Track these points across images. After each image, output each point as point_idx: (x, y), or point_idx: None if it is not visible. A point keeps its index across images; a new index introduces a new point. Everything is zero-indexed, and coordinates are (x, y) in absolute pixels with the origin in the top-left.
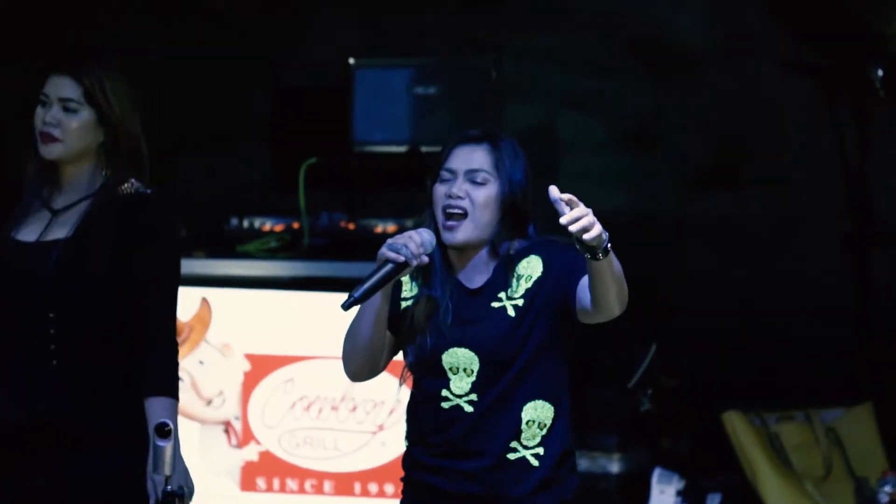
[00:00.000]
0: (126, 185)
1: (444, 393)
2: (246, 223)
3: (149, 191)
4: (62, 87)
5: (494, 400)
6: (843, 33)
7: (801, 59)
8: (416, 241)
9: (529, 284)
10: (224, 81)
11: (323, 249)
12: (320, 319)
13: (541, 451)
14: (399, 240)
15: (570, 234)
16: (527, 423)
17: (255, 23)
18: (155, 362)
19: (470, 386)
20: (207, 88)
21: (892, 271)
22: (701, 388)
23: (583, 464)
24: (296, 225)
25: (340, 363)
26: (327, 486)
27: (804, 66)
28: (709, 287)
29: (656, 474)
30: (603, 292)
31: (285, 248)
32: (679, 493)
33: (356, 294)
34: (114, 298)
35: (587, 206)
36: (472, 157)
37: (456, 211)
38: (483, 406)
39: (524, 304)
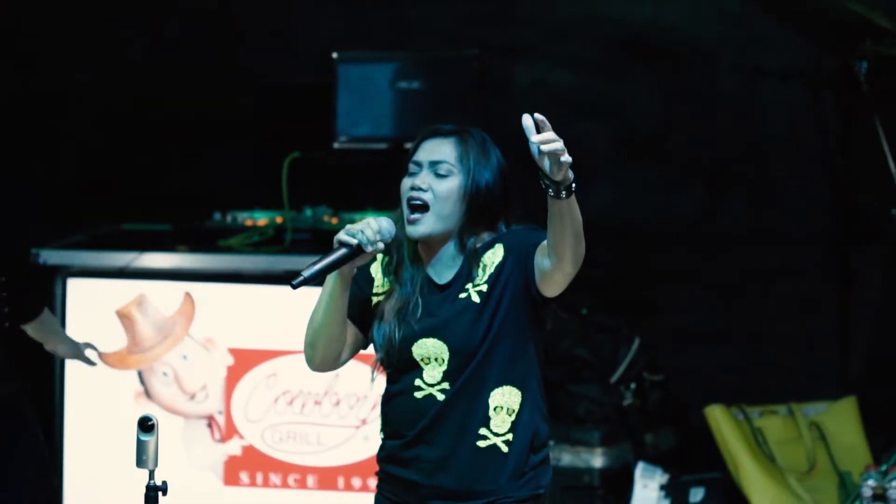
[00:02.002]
0: None
1: (418, 383)
2: (229, 218)
3: None
4: None
5: (463, 386)
6: (827, 29)
7: (786, 56)
8: (374, 228)
9: (492, 270)
10: (207, 76)
11: (306, 244)
12: (303, 314)
13: (510, 437)
14: (357, 225)
15: (539, 168)
16: (494, 408)
17: (238, 17)
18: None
19: (442, 375)
20: (190, 83)
21: (875, 267)
22: (684, 382)
23: (566, 458)
24: (279, 219)
25: (303, 359)
26: (310, 480)
27: (789, 63)
28: (692, 282)
29: (639, 469)
30: (560, 238)
31: (268, 242)
32: (662, 488)
33: (306, 273)
34: None
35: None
36: (437, 150)
37: (418, 203)
38: (454, 394)
39: (487, 289)
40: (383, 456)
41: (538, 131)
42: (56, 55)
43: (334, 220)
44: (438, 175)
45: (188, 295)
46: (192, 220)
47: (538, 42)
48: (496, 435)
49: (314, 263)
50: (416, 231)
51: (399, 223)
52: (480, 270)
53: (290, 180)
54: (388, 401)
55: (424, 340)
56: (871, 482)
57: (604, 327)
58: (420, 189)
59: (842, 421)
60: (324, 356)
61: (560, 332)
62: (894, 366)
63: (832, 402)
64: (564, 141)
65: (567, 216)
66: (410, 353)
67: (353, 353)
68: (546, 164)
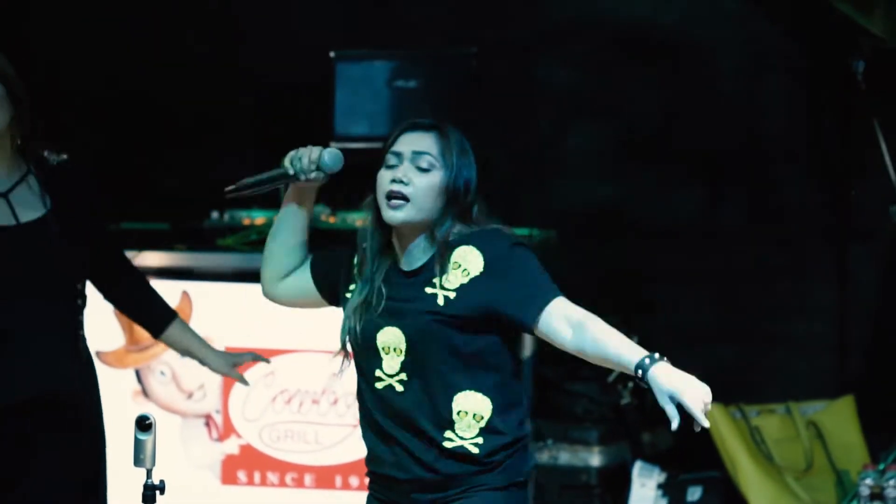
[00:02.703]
0: (49, 156)
1: (378, 373)
2: (227, 217)
3: (66, 157)
4: None
5: (422, 381)
6: (825, 28)
7: (784, 54)
8: (313, 157)
9: (465, 280)
10: (205, 74)
11: None
12: (301, 313)
13: (480, 440)
14: (299, 151)
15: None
16: (458, 412)
17: (237, 17)
18: (157, 294)
19: (399, 366)
20: (188, 81)
21: (872, 265)
22: None
23: (564, 457)
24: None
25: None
26: (308, 479)
27: (787, 61)
28: (690, 281)
29: (637, 467)
30: (600, 359)
31: (266, 241)
32: (660, 487)
33: (238, 184)
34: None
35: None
36: (418, 142)
37: (397, 195)
38: (412, 387)
39: (455, 297)
40: (366, 456)
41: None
42: (54, 53)
43: (332, 219)
44: (420, 168)
45: (186, 294)
46: (189, 219)
47: (536, 40)
48: (462, 438)
49: (251, 177)
50: (395, 217)
51: (372, 213)
52: (450, 267)
53: None
54: (358, 395)
55: (387, 328)
56: (868, 481)
57: None
58: (401, 182)
59: (839, 420)
60: (270, 270)
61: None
62: (892, 364)
63: (830, 400)
64: (564, 140)
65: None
66: (375, 340)
67: (300, 292)
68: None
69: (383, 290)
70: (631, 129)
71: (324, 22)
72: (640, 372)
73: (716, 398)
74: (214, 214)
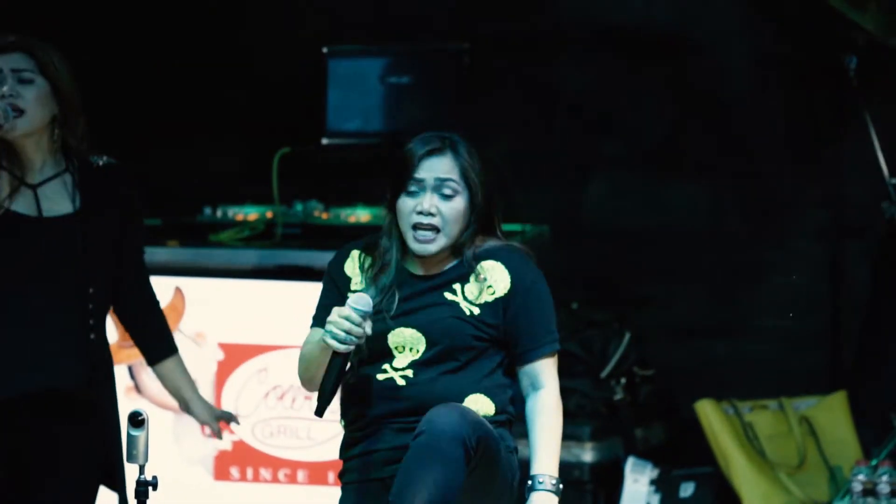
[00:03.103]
0: (94, 157)
1: (385, 367)
2: (219, 213)
3: (115, 161)
4: (12, 60)
5: (432, 380)
6: (817, 23)
7: (776, 50)
8: (357, 321)
9: (491, 299)
10: (197, 70)
11: (296, 239)
12: (294, 308)
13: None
14: (341, 325)
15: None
16: None
17: (228, 12)
18: (165, 325)
19: (409, 363)
20: (179, 77)
21: (865, 261)
22: (674, 377)
23: None
24: (269, 214)
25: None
26: (301, 475)
27: (778, 57)
28: (682, 277)
29: (630, 463)
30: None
31: (259, 237)
32: (652, 482)
33: (323, 402)
34: (115, 271)
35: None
36: (438, 167)
37: (426, 227)
38: (417, 384)
39: (480, 314)
40: (343, 445)
41: None
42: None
43: (324, 215)
44: (444, 196)
45: (178, 290)
46: (182, 215)
47: (529, 36)
48: None
49: (323, 389)
50: (426, 250)
51: (391, 235)
52: (475, 281)
53: (280, 175)
54: (349, 387)
55: (402, 330)
56: (861, 477)
57: (594, 322)
58: (428, 214)
59: (832, 415)
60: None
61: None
62: (884, 360)
63: (822, 396)
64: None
65: None
66: (386, 341)
67: None
68: None
69: (396, 294)
70: (625, 126)
71: (316, 17)
72: (528, 482)
73: (709, 393)
74: (207, 210)
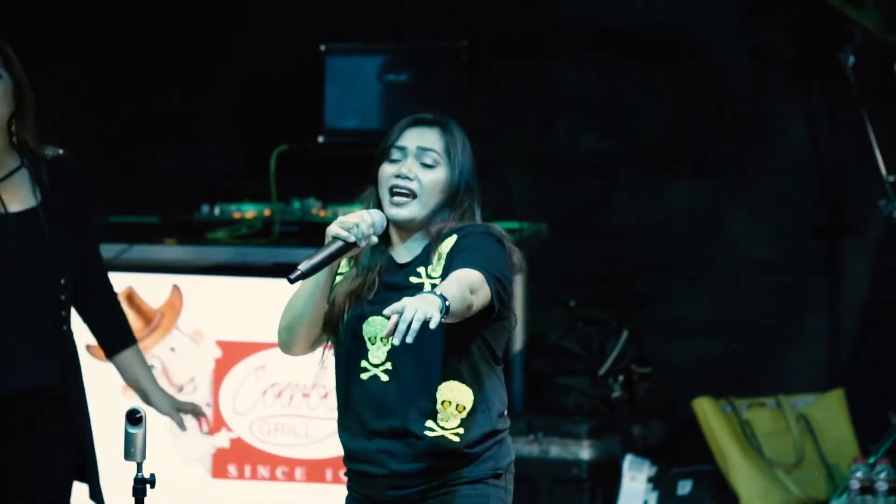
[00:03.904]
0: (45, 150)
1: (363, 364)
2: (217, 210)
3: (66, 153)
4: None
5: (407, 369)
6: (815, 21)
7: (774, 48)
8: (368, 222)
9: (444, 262)
10: (195, 68)
11: (294, 236)
12: None
13: (461, 430)
14: (350, 219)
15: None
16: (442, 402)
17: (226, 10)
18: (121, 315)
19: (385, 355)
20: (178, 75)
21: (863, 259)
22: (672, 375)
23: (554, 451)
24: (267, 212)
25: (277, 342)
26: (298, 472)
27: (776, 55)
28: (680, 274)
29: (627, 461)
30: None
31: (256, 235)
32: (650, 480)
33: (304, 268)
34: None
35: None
36: (423, 138)
37: (403, 191)
38: (397, 376)
39: (440, 282)
40: (344, 453)
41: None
42: (41, 48)
43: (322, 213)
44: (425, 165)
45: (176, 287)
46: (180, 213)
47: (527, 34)
48: (443, 429)
49: (310, 258)
50: (399, 214)
51: (372, 205)
52: (435, 258)
53: (278, 173)
54: (339, 386)
55: (374, 318)
56: (859, 474)
57: (592, 320)
58: (406, 178)
59: (830, 413)
60: (304, 341)
61: (549, 325)
62: (882, 358)
63: (820, 394)
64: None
65: (457, 316)
66: (361, 331)
67: (325, 339)
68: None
69: (376, 281)
70: (624, 125)
71: (314, 15)
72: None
73: (706, 392)
74: (205, 208)
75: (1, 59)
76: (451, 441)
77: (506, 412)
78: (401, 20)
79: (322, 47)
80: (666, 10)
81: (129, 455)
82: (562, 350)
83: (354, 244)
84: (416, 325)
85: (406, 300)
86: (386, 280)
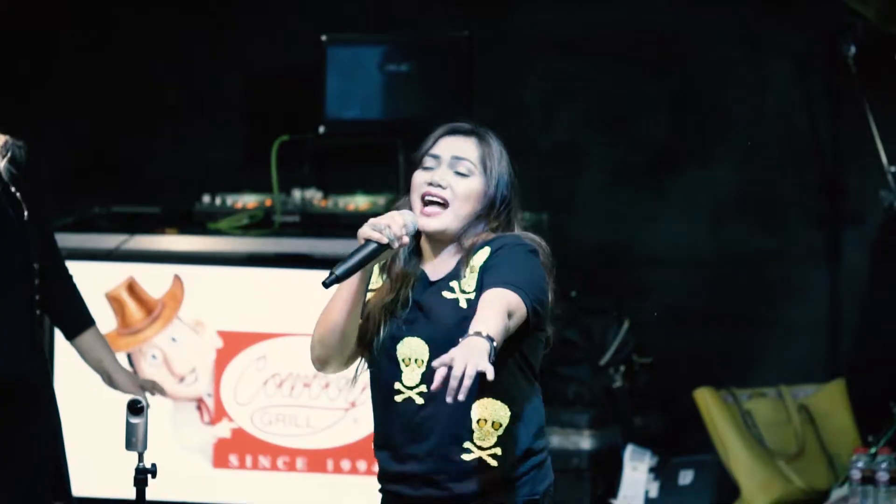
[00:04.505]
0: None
1: (397, 386)
2: (218, 200)
3: (14, 138)
4: None
5: (443, 392)
6: (817, 11)
7: (776, 38)
8: (399, 223)
9: (477, 275)
10: (196, 58)
11: (295, 226)
12: (293, 296)
13: (498, 451)
14: (382, 220)
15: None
16: (478, 421)
17: (228, 0)
18: (80, 297)
19: (420, 377)
20: (179, 66)
21: (863, 249)
22: (673, 365)
23: (555, 441)
24: (268, 202)
25: (309, 356)
26: (300, 462)
27: (778, 45)
28: (681, 264)
29: (629, 451)
30: None
31: (257, 225)
32: (651, 470)
33: (338, 272)
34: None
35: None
36: (458, 147)
37: (435, 199)
38: (433, 398)
39: (474, 298)
40: (378, 472)
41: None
42: (42, 38)
43: (324, 203)
44: (459, 174)
45: (177, 277)
46: (181, 203)
47: (527, 24)
48: (481, 448)
49: (344, 261)
50: (430, 224)
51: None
52: (468, 271)
53: (279, 163)
54: (375, 407)
55: (409, 339)
56: (860, 464)
57: (593, 310)
58: (439, 186)
59: (831, 403)
60: (338, 354)
61: (550, 315)
62: (883, 348)
63: (821, 384)
64: (554, 123)
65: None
66: (395, 351)
67: (359, 355)
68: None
69: (409, 297)
70: (625, 115)
71: (315, 5)
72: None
73: (708, 382)
74: (206, 198)
75: None
76: (488, 465)
77: (545, 428)
78: (402, 10)
79: (323, 37)
80: (667, 1)
81: (130, 445)
82: (563, 340)
83: (388, 246)
84: (467, 383)
85: (454, 352)
86: (417, 298)
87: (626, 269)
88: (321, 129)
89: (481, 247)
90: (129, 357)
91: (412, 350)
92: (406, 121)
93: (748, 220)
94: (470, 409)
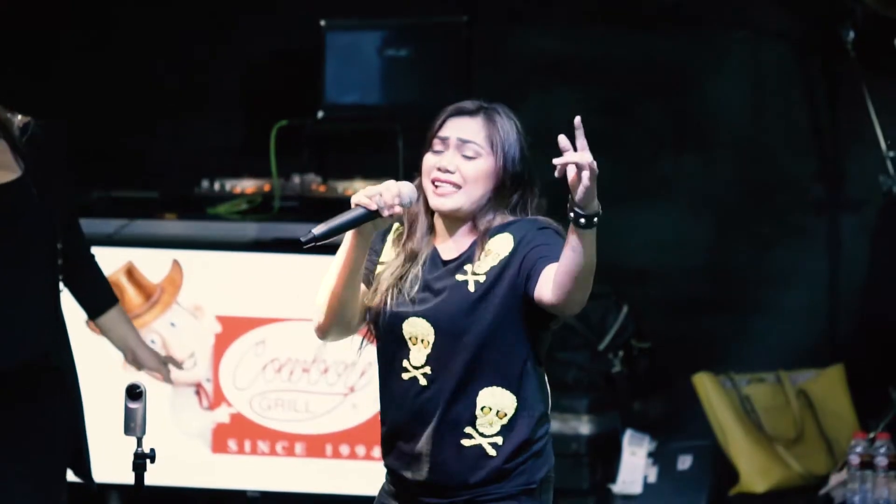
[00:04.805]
0: (20, 120)
1: (405, 364)
2: (217, 185)
3: (37, 119)
4: None
5: (447, 375)
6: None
7: (774, 23)
8: (392, 192)
9: (495, 262)
10: (195, 43)
11: (294, 211)
12: (291, 281)
13: (499, 440)
14: (376, 188)
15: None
16: (482, 408)
17: None
18: (102, 276)
19: (425, 358)
20: (178, 51)
21: (863, 234)
22: (672, 350)
23: (554, 426)
24: (267, 187)
25: (311, 325)
26: (298, 447)
27: (776, 30)
28: (680, 250)
29: (627, 436)
30: (569, 270)
31: (256, 210)
32: (650, 455)
33: (317, 232)
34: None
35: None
36: (464, 128)
37: (446, 185)
38: (436, 380)
39: (485, 281)
40: (383, 449)
41: (573, 145)
42: (41, 25)
43: (322, 188)
44: (466, 157)
45: (176, 262)
46: (180, 188)
47: (529, 8)
48: (482, 436)
49: (326, 222)
50: (443, 204)
51: (420, 194)
52: (483, 255)
53: (278, 148)
54: (381, 382)
55: (415, 319)
56: (858, 449)
57: (592, 295)
58: (447, 171)
59: (829, 388)
60: (338, 323)
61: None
62: (882, 333)
63: (820, 369)
64: (553, 106)
65: (584, 246)
66: (401, 329)
67: (364, 323)
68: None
69: (420, 275)
70: (622, 99)
71: None
72: (581, 221)
73: (706, 367)
74: (205, 183)
75: None
76: (486, 453)
77: (548, 412)
78: None
79: (322, 22)
80: None
81: (128, 430)
82: (562, 325)
83: (377, 213)
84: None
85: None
86: (428, 277)
87: (624, 255)
88: (320, 115)
89: (498, 230)
90: None
91: (418, 330)
92: (405, 106)
93: (747, 206)
94: (476, 394)
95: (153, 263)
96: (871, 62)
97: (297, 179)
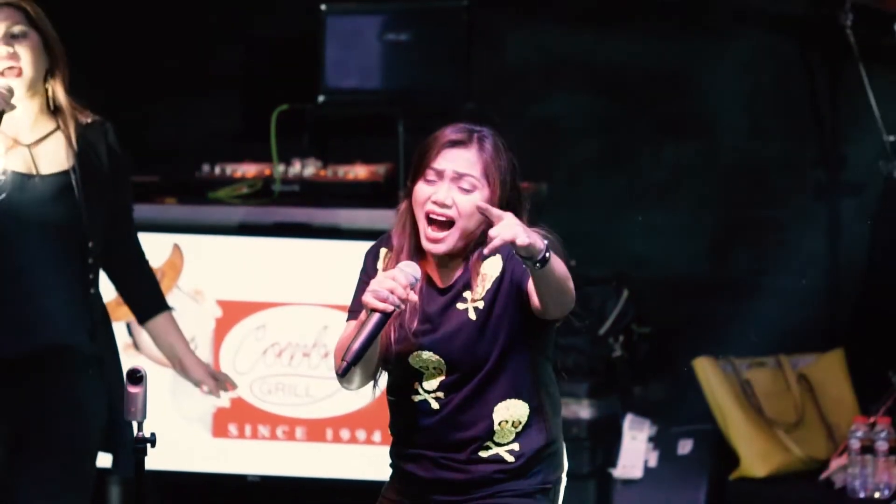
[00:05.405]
0: (80, 116)
1: (416, 387)
2: (217, 170)
3: (100, 118)
4: (3, 15)
5: (463, 400)
6: None
7: (773, 8)
8: (401, 283)
9: (489, 285)
10: (195, 28)
11: (294, 196)
12: (292, 265)
13: (515, 447)
14: (384, 285)
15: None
16: (499, 423)
17: None
18: (153, 281)
19: (438, 384)
20: (178, 35)
21: (862, 219)
22: (672, 334)
23: None
24: (267, 171)
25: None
26: (299, 432)
27: (776, 15)
28: (680, 234)
29: (628, 420)
30: (542, 296)
31: (256, 194)
32: (650, 439)
33: (350, 359)
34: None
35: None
36: (459, 160)
37: (441, 220)
38: (450, 404)
39: (484, 306)
40: (391, 451)
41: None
42: (39, 7)
43: (322, 173)
44: (462, 189)
45: (176, 246)
46: (180, 172)
47: None
48: (499, 445)
49: (353, 343)
50: (437, 249)
51: (405, 228)
52: (479, 279)
53: (278, 132)
54: (390, 396)
55: (421, 353)
56: (859, 434)
57: (592, 279)
58: (444, 205)
59: (830, 373)
60: (365, 379)
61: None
62: (882, 317)
63: (820, 354)
64: (554, 92)
65: (543, 280)
66: (408, 362)
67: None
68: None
69: (417, 306)
70: (623, 85)
71: None
72: (535, 266)
73: (707, 351)
74: (205, 167)
75: (24, 17)
76: (504, 459)
77: (560, 409)
78: None
79: (322, 6)
80: None
81: (129, 414)
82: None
83: (396, 309)
84: (506, 235)
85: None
86: (427, 308)
87: (624, 239)
88: (320, 99)
89: (492, 254)
90: (129, 326)
91: (427, 361)
92: (406, 90)
93: (748, 190)
94: (492, 412)
95: (154, 248)
96: (871, 46)
97: (297, 163)
